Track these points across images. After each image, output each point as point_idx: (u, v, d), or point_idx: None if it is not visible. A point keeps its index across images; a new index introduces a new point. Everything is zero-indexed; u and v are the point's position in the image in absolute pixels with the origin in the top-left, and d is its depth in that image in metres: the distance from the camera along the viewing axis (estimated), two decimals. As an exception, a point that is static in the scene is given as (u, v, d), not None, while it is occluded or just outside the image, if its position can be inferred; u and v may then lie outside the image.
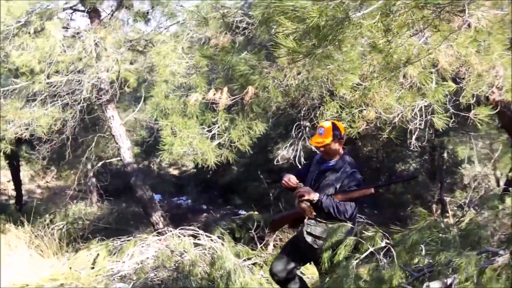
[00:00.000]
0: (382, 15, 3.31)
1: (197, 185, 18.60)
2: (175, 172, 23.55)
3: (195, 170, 19.01)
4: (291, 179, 5.19)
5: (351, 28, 3.07)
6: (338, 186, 5.13)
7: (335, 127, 5.20)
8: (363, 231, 4.70)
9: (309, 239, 5.15)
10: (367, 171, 14.78)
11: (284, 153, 12.48)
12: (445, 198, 12.82)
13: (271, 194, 12.09)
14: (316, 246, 5.11)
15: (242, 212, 12.88)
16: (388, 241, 4.35)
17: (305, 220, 5.18)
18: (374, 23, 3.14)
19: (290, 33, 3.24)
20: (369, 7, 3.07)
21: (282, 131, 13.24)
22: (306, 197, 4.98)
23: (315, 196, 4.98)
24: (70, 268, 8.40)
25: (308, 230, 5.16)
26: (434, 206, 12.87)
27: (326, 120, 5.53)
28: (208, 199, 16.16)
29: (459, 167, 14.42)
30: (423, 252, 4.37)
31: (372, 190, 5.12)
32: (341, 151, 5.30)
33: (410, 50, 4.93)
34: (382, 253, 4.23)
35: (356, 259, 4.12)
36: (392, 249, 4.13)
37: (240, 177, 16.11)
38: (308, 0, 3.17)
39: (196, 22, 8.24)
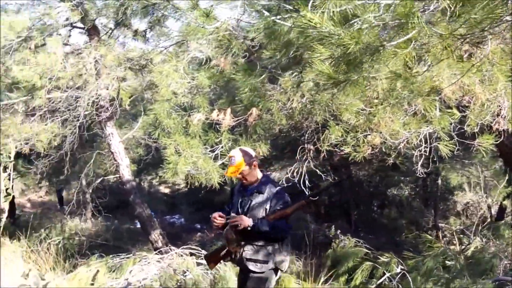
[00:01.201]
0: (415, 44, 3.35)
1: (190, 204, 18.53)
2: (167, 191, 23.50)
3: (186, 189, 18.94)
4: (218, 217, 5.06)
5: (385, 56, 3.10)
6: (267, 207, 5.00)
7: (244, 153, 5.13)
8: (377, 256, 4.73)
9: (251, 266, 4.99)
10: (361, 195, 14.83)
11: (277, 174, 12.53)
12: (439, 224, 12.87)
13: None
14: (259, 271, 4.98)
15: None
16: (402, 267, 4.36)
17: (239, 249, 5.02)
18: (408, 51, 3.16)
19: (324, 59, 3.25)
20: (403, 37, 3.10)
21: (277, 153, 13.26)
22: (241, 225, 4.82)
23: (249, 222, 4.84)
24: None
25: (248, 257, 5.00)
26: (429, 232, 12.89)
27: (233, 149, 5.41)
28: (202, 218, 16.05)
29: (452, 194, 14.48)
30: (434, 278, 4.38)
31: (304, 202, 5.09)
32: (259, 174, 5.21)
33: (428, 80, 4.95)
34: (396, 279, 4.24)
35: (373, 284, 4.12)
36: (408, 275, 4.15)
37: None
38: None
39: (217, 43, 8.20)
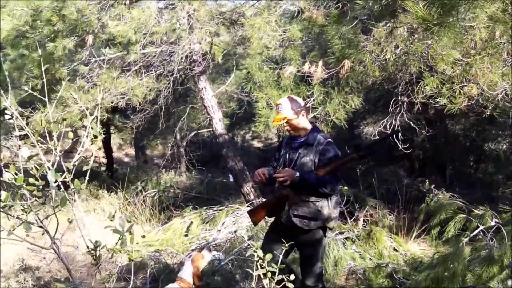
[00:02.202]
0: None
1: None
2: (259, 145, 23.71)
3: (278, 143, 18.98)
4: (262, 172, 4.87)
5: (482, -1, 2.97)
6: (316, 160, 4.83)
7: (292, 101, 4.94)
8: (472, 209, 4.63)
9: (297, 221, 4.83)
10: (456, 149, 14.46)
11: (370, 129, 12.37)
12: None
13: (357, 170, 11.96)
14: (307, 228, 4.83)
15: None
16: (497, 220, 4.24)
17: (287, 204, 4.88)
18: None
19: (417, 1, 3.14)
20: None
21: (370, 106, 13.10)
22: (288, 180, 4.61)
23: (296, 175, 4.65)
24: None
25: (296, 213, 4.83)
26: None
27: (281, 98, 5.17)
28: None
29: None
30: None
31: (355, 156, 4.92)
32: (309, 125, 5.01)
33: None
34: (490, 233, 4.14)
35: (466, 236, 4.04)
36: (503, 228, 4.03)
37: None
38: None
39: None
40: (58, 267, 7.51)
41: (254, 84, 8.24)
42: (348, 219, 9.51)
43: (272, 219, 5.32)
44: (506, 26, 4.07)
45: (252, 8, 10.36)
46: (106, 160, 18.58)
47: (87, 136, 2.85)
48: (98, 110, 2.93)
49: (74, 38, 9.70)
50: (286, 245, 3.73)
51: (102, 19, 9.41)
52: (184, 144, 14.67)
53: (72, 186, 2.72)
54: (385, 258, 7.78)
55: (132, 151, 23.21)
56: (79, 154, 2.79)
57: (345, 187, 11.00)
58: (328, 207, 4.84)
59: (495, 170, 14.06)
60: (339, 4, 7.72)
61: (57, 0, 8.94)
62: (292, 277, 3.24)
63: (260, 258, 3.07)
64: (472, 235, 4.15)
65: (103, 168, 18.99)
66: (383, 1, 5.84)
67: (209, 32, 9.93)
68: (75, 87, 9.96)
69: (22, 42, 10.41)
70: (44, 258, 7.83)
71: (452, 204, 6.10)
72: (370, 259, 7.76)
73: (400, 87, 7.85)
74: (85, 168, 2.99)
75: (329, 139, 4.94)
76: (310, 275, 5.00)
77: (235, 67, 10.86)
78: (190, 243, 8.38)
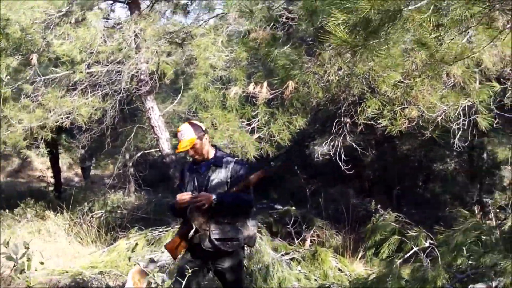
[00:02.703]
0: (433, 10, 3.24)
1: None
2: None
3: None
4: (184, 195, 4.71)
5: (402, 21, 3.00)
6: (228, 180, 4.75)
7: (193, 125, 4.83)
8: (406, 230, 4.68)
9: (220, 245, 4.66)
10: (405, 169, 14.66)
11: (322, 149, 12.47)
12: (484, 199, 12.65)
13: (307, 190, 12.03)
14: (230, 250, 4.71)
15: (278, 206, 12.83)
16: (431, 242, 4.29)
17: (204, 229, 4.67)
18: (426, 17, 3.05)
19: (340, 24, 3.15)
20: (421, 1, 3.01)
21: (319, 127, 13.19)
22: (206, 204, 4.51)
23: (213, 197, 4.54)
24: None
25: (217, 237, 4.66)
26: (474, 207, 12.70)
27: (181, 124, 5.12)
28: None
29: (498, 169, 14.17)
30: (466, 254, 4.29)
31: (264, 170, 4.80)
32: (212, 148, 4.94)
33: (454, 48, 4.77)
34: (425, 254, 4.18)
35: (400, 258, 4.07)
36: (436, 250, 4.08)
37: (278, 172, 15.98)
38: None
39: (239, 14, 8.19)
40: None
41: (200, 104, 8.21)
42: (295, 239, 9.53)
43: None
44: (429, 49, 4.12)
45: (200, 28, 10.38)
46: (54, 180, 18.31)
47: None
48: None
49: (18, 57, 9.56)
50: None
51: (47, 37, 9.28)
52: (130, 164, 14.56)
53: None
54: (330, 278, 7.80)
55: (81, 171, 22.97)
56: None
57: (293, 208, 11.05)
58: (246, 225, 4.78)
59: (443, 190, 14.31)
60: (285, 26, 7.76)
61: (0, 18, 8.78)
62: None
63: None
64: (406, 256, 4.19)
65: (51, 188, 18.73)
66: (318, 24, 5.88)
67: (156, 52, 9.89)
68: (19, 107, 9.78)
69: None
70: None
71: (387, 225, 6.17)
72: (315, 279, 7.76)
73: (343, 108, 7.93)
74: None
75: (237, 158, 5.06)
76: None
77: (182, 87, 10.82)
78: (134, 264, 8.26)
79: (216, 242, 4.65)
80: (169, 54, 11.60)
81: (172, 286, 4.63)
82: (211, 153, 4.87)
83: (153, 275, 2.69)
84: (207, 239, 4.67)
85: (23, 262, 2.53)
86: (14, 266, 2.55)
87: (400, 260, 4.09)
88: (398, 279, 4.09)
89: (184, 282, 3.63)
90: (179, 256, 4.95)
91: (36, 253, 3.04)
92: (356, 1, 2.97)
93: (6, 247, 2.52)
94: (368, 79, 6.97)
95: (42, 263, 2.78)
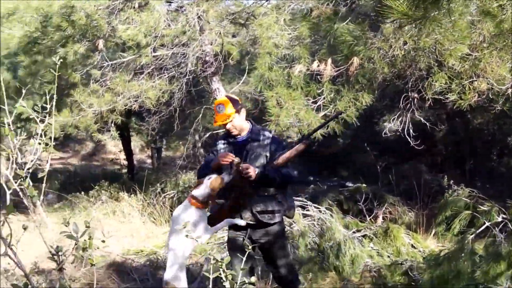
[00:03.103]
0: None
1: (302, 156, 18.53)
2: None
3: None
4: (228, 154, 4.63)
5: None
6: (267, 154, 4.74)
7: (232, 100, 4.81)
8: (478, 205, 4.57)
9: (263, 218, 4.70)
10: (477, 144, 14.28)
11: (390, 125, 12.29)
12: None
13: (378, 166, 11.87)
14: (272, 222, 4.74)
15: (349, 184, 12.73)
16: (504, 216, 4.15)
17: (245, 202, 4.66)
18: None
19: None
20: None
21: (388, 103, 12.98)
22: (251, 173, 4.41)
23: (257, 171, 4.48)
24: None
25: (258, 209, 4.70)
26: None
27: (218, 99, 5.09)
28: (314, 171, 15.96)
29: None
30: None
31: (306, 143, 4.60)
32: (247, 122, 4.90)
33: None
34: (498, 228, 4.05)
35: (472, 233, 3.96)
36: (510, 224, 3.95)
37: (347, 149, 15.85)
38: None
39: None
40: (72, 269, 7.55)
41: (265, 83, 8.20)
42: (367, 216, 9.44)
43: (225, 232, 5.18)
44: (494, 19, 3.97)
45: (262, 8, 10.32)
46: (126, 162, 18.74)
47: (39, 143, 2.82)
48: (52, 116, 2.91)
49: (85, 43, 9.73)
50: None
51: (112, 23, 9.41)
52: (200, 145, 14.65)
53: (27, 193, 2.68)
54: (403, 255, 7.72)
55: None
56: (32, 161, 2.75)
57: (364, 185, 10.94)
58: (286, 197, 4.82)
59: (518, 163, 13.87)
60: (348, 1, 7.66)
61: (65, 6, 8.95)
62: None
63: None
64: (478, 231, 4.07)
65: (124, 170, 19.18)
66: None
67: (220, 33, 9.91)
68: (88, 91, 10.00)
69: (34, 48, 10.47)
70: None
71: (459, 201, 6.04)
72: (388, 256, 7.71)
73: (410, 83, 7.77)
74: (40, 175, 2.93)
75: (272, 132, 4.96)
76: (283, 267, 4.97)
77: (247, 68, 10.79)
78: (207, 243, 8.36)
79: (259, 215, 4.68)
80: (233, 35, 11.60)
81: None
82: (247, 127, 4.87)
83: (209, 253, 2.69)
84: (248, 211, 4.70)
85: (84, 240, 2.58)
86: (76, 244, 2.60)
87: (473, 236, 4.00)
88: (471, 255, 3.99)
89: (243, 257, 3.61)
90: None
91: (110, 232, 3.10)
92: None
93: (66, 226, 2.57)
94: (435, 53, 6.81)
95: (103, 241, 2.82)
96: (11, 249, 2.64)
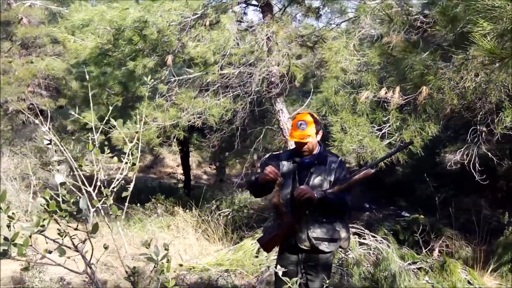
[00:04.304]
0: None
1: (361, 183, 18.37)
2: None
3: (357, 168, 18.76)
4: (273, 168, 4.44)
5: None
6: (331, 179, 4.58)
7: (315, 120, 4.65)
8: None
9: (321, 246, 4.56)
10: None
11: (452, 157, 12.06)
12: None
13: (437, 198, 11.67)
14: (327, 250, 4.60)
15: (406, 214, 12.55)
16: None
17: (302, 226, 4.55)
18: None
19: (486, 34, 3.02)
20: None
21: (451, 134, 12.77)
22: (308, 195, 4.29)
23: (315, 195, 4.34)
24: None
25: (315, 235, 4.55)
26: None
27: (302, 113, 4.84)
28: (371, 198, 15.79)
29: None
30: None
31: (372, 171, 4.50)
32: (317, 145, 4.73)
33: None
34: None
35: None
36: None
37: (406, 179, 15.61)
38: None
39: (377, 19, 8.08)
40: (127, 282, 7.63)
41: (330, 107, 8.19)
42: (423, 248, 9.28)
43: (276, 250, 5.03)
44: None
45: (332, 31, 10.33)
46: (183, 176, 18.90)
47: (126, 163, 2.84)
48: (139, 137, 2.93)
49: (154, 58, 9.90)
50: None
51: (182, 39, 9.55)
52: (258, 164, 14.69)
53: (111, 212, 2.71)
54: (459, 291, 7.55)
55: (210, 170, 23.46)
56: (118, 180, 2.77)
57: (422, 216, 10.77)
58: (343, 226, 4.70)
59: None
60: (419, 30, 7.59)
61: (138, 20, 9.12)
62: None
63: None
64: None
65: (180, 185, 19.35)
66: (458, 30, 5.69)
67: (287, 55, 9.95)
68: (154, 105, 10.16)
69: (104, 60, 10.71)
70: (114, 272, 7.97)
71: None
72: (443, 291, 7.55)
73: (479, 116, 7.63)
74: (124, 194, 2.96)
75: (340, 158, 4.79)
76: None
77: (312, 90, 10.79)
78: (260, 264, 8.34)
79: (314, 241, 4.56)
80: (299, 57, 11.63)
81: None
82: (316, 149, 4.74)
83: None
84: (304, 236, 4.58)
85: (162, 263, 2.60)
86: (155, 267, 2.62)
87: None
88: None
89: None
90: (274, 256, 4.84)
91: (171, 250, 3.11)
92: (503, 9, 2.83)
93: (147, 248, 2.59)
94: (507, 87, 6.69)
95: (181, 265, 2.85)
96: (90, 267, 2.68)
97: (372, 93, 7.75)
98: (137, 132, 2.90)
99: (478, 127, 7.81)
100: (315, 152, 4.72)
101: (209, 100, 10.05)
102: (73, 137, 15.32)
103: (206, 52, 9.16)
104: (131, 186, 2.90)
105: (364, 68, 8.31)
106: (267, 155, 13.02)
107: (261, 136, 11.64)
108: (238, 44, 9.65)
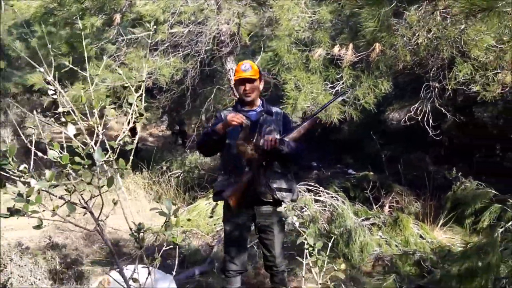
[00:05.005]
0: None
1: (306, 141, 18.45)
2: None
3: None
4: (238, 114, 4.37)
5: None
6: (280, 129, 4.55)
7: (258, 68, 4.64)
8: (507, 199, 4.55)
9: (283, 196, 4.46)
10: (483, 137, 14.21)
11: (396, 115, 12.21)
12: None
13: (383, 156, 11.83)
14: (288, 199, 4.50)
15: (352, 172, 12.69)
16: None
17: (258, 178, 4.40)
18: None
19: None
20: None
21: (397, 92, 12.89)
22: (276, 144, 4.25)
23: (278, 138, 4.32)
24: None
25: (276, 186, 4.46)
26: None
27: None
28: (318, 156, 15.87)
29: None
30: None
31: (316, 119, 4.60)
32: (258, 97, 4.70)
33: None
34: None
35: (501, 227, 3.92)
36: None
37: (353, 137, 15.68)
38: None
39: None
40: (84, 245, 7.54)
41: (282, 66, 8.13)
42: (374, 204, 9.42)
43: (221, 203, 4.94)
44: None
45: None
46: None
47: (132, 114, 2.75)
48: (143, 88, 2.83)
49: (102, 17, 9.65)
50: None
51: (131, -2, 9.35)
52: (209, 125, 14.55)
53: (115, 166, 2.63)
54: (411, 245, 7.69)
55: (156, 131, 23.20)
56: (124, 132, 2.69)
57: (371, 173, 10.91)
58: (292, 177, 4.67)
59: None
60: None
61: (85, -22, 8.88)
62: None
63: (311, 246, 2.92)
64: (508, 225, 4.03)
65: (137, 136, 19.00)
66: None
67: (237, 13, 9.82)
68: (102, 66, 9.92)
69: (50, 19, 10.38)
70: (69, 236, 7.84)
71: (486, 194, 6.02)
72: (397, 246, 7.67)
73: (432, 72, 7.71)
74: (128, 147, 2.88)
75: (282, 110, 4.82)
76: (280, 254, 4.71)
77: (262, 49, 10.69)
78: (215, 224, 8.33)
79: (277, 192, 4.47)
80: (248, 16, 11.51)
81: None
82: (258, 102, 4.70)
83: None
84: (265, 188, 4.46)
85: (172, 218, 2.56)
86: (165, 222, 2.58)
87: (502, 229, 3.96)
88: (501, 249, 3.95)
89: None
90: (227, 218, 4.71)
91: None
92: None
93: (157, 202, 2.53)
94: (459, 43, 6.76)
95: (188, 219, 2.81)
96: (99, 225, 2.61)
97: (325, 51, 7.73)
98: (142, 81, 2.81)
99: (431, 83, 7.90)
100: (258, 105, 4.68)
101: (159, 59, 9.86)
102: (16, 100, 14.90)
103: (155, 10, 8.97)
104: (136, 139, 2.83)
105: (316, 26, 8.27)
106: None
107: (212, 96, 11.51)
108: (187, 1, 9.47)
